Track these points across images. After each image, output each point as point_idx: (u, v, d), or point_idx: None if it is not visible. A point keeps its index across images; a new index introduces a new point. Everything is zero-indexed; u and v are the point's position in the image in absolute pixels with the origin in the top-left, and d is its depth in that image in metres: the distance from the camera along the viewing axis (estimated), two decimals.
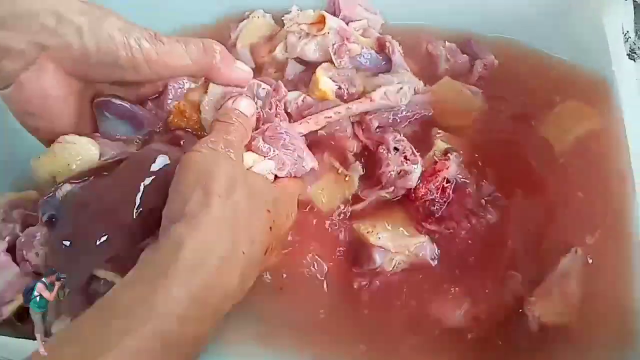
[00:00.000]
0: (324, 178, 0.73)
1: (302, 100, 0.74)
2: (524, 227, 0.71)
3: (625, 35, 0.72)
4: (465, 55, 0.85)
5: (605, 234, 0.68)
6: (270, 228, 0.57)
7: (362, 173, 0.74)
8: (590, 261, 0.67)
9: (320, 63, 0.78)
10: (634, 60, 0.72)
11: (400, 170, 0.72)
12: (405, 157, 0.73)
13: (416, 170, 0.72)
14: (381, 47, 0.79)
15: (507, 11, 0.86)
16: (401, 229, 0.71)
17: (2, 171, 0.81)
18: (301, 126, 0.72)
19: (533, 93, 0.80)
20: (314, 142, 0.75)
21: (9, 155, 0.81)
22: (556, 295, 0.67)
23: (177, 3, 0.92)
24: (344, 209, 0.73)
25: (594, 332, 0.65)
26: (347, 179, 0.73)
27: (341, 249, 0.71)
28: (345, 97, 0.75)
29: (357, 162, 0.74)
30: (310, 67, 0.80)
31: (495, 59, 0.83)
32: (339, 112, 0.74)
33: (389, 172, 0.72)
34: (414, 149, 0.74)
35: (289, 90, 0.75)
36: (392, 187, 0.72)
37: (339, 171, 0.74)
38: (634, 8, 0.72)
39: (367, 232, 0.69)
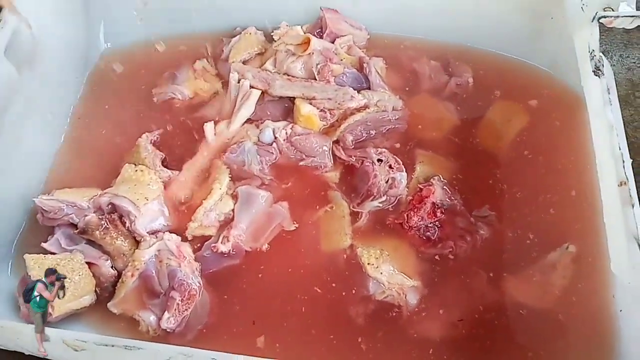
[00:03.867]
0: (320, 222, 0.78)
1: (291, 129, 0.79)
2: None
3: (591, 53, 0.76)
4: (446, 75, 0.89)
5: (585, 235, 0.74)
6: None
7: (343, 199, 0.78)
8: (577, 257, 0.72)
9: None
10: (599, 77, 0.75)
11: (389, 179, 0.77)
12: (390, 166, 0.79)
13: (403, 177, 0.77)
14: (362, 67, 0.84)
15: (488, 26, 0.90)
16: (398, 268, 0.73)
17: None
18: None
19: (505, 108, 0.86)
20: (296, 177, 0.79)
21: None
22: (537, 282, 0.72)
23: (174, 16, 0.96)
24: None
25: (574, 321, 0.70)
26: (333, 208, 0.78)
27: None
28: (328, 118, 0.80)
29: (335, 191, 0.79)
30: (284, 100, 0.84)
31: (471, 78, 0.88)
32: None
33: (378, 182, 0.77)
34: (396, 158, 0.79)
35: (274, 122, 0.79)
36: (385, 197, 0.77)
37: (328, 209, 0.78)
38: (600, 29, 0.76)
39: (369, 264, 0.73)
